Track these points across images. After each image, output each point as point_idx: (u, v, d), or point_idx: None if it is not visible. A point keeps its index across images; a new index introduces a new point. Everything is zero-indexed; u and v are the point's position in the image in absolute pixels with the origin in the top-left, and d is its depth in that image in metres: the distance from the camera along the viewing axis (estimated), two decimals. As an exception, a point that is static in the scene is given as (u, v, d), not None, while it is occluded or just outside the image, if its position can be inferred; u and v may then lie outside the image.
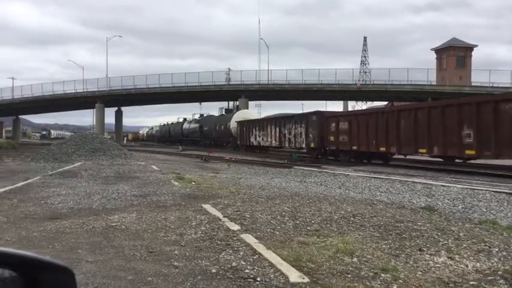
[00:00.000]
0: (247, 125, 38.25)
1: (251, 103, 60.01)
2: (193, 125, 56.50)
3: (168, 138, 69.17)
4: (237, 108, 51.54)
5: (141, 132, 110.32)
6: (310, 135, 26.69)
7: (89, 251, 4.75)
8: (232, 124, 42.48)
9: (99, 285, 3.62)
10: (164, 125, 78.48)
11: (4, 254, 0.97)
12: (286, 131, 30.27)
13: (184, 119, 65.49)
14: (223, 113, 52.47)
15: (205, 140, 51.02)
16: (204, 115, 58.57)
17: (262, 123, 35.38)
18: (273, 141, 32.68)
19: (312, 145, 26.68)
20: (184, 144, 51.13)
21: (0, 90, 66.04)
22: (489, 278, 3.89)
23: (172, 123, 72.08)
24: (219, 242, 5.07)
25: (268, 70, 57.18)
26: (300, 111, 46.71)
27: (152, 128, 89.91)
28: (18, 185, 10.97)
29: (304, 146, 28.13)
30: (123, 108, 74.31)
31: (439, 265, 4.25)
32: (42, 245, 5.04)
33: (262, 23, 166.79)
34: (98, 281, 3.74)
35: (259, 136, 35.08)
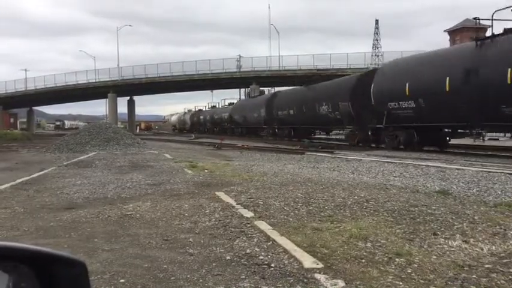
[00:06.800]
0: None
1: (263, 90, 59.39)
2: (253, 105, 40.34)
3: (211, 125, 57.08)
4: (249, 96, 48.52)
5: (173, 118, 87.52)
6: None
7: (105, 239, 4.81)
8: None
9: (116, 273, 3.67)
10: (200, 110, 66.63)
11: (16, 249, 0.99)
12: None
13: (231, 103, 54.04)
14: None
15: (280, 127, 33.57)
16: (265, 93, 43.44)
17: None
18: None
19: None
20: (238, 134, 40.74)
21: (14, 82, 66.71)
22: (504, 260, 3.87)
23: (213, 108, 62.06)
24: (233, 229, 5.10)
25: (279, 56, 56.92)
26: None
27: (217, 107, 62.50)
28: (34, 175, 11.12)
29: None
30: (135, 98, 74.62)
31: (453, 249, 4.23)
32: (59, 234, 5.11)
33: (273, 8, 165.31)
34: (114, 269, 3.79)
35: None
